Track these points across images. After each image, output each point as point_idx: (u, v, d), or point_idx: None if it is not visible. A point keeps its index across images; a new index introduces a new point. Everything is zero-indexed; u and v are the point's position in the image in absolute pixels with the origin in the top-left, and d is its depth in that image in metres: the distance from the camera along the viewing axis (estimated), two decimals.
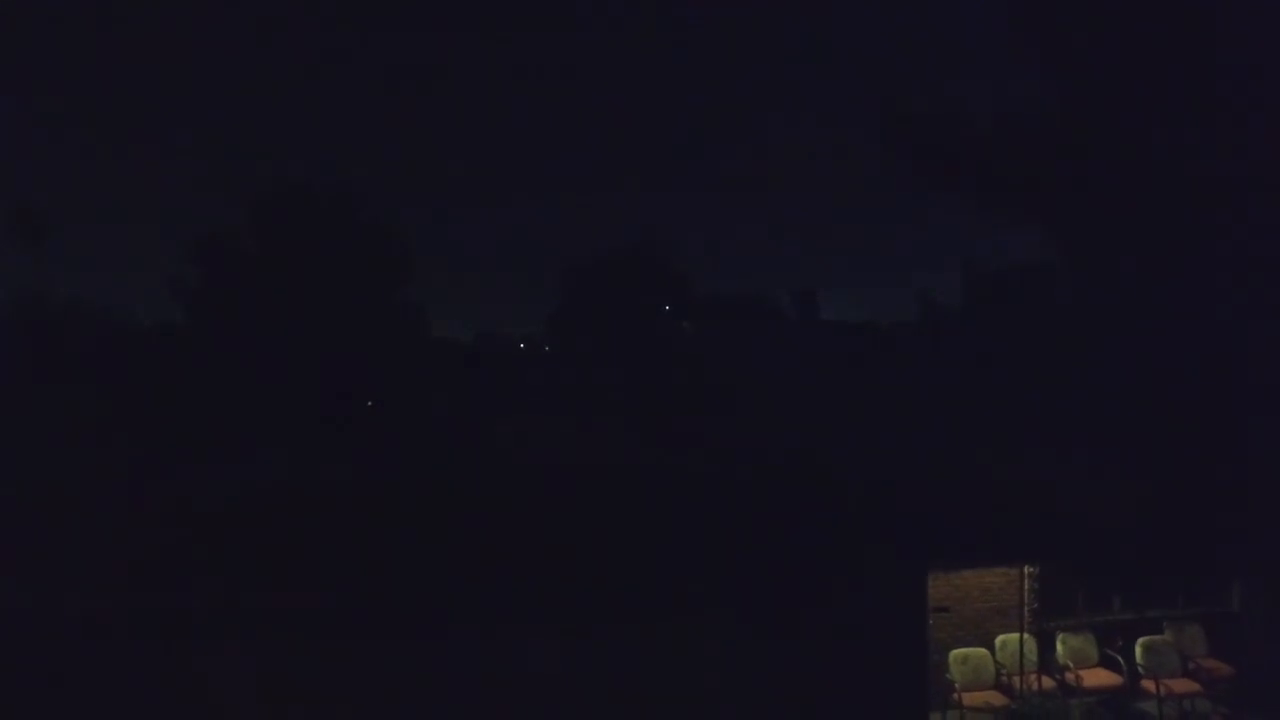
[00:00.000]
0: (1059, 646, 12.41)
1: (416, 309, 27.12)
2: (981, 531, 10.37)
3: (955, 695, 11.65)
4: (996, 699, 11.77)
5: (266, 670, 10.20)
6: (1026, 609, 12.26)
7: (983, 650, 12.21)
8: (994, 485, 10.50)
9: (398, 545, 11.25)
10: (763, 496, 10.76)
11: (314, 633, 10.18)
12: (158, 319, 32.02)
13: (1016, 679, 11.99)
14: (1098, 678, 12.10)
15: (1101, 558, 10.70)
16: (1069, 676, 12.07)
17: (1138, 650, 12.21)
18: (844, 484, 11.01)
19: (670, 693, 9.58)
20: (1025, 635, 12.42)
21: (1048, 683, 12.11)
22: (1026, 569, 12.56)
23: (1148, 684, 11.91)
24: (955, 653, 12.01)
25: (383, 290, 26.17)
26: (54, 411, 20.78)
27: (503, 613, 9.52)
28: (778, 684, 9.57)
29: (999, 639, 12.45)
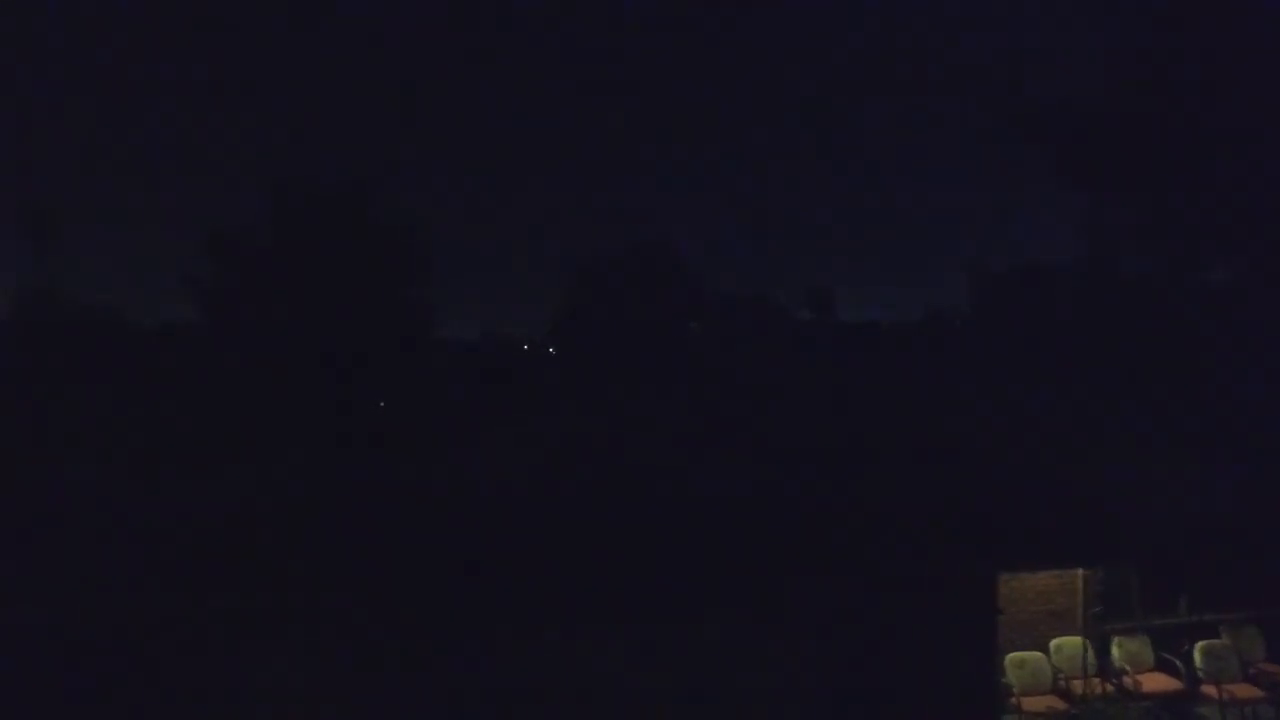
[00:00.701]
0: (1115, 650, 12.22)
1: (432, 308, 26.80)
2: (1052, 532, 10.17)
3: (1014, 700, 11.45)
4: (1057, 703, 11.58)
5: (290, 673, 10.04)
6: (1089, 612, 12.05)
7: (1039, 654, 12.01)
8: (1064, 486, 10.30)
9: (422, 547, 11.03)
10: (825, 498, 10.56)
11: (343, 635, 10.00)
12: (169, 318, 31.73)
13: (1076, 683, 11.80)
14: (1156, 682, 11.90)
15: (1173, 559, 10.50)
16: (1127, 681, 11.88)
17: (1196, 654, 12.01)
18: (910, 486, 10.81)
19: (737, 696, 9.37)
20: (1081, 639, 12.25)
21: (1105, 687, 11.92)
22: (1082, 571, 12.39)
23: (1208, 689, 11.72)
24: (1012, 656, 11.79)
25: (400, 288, 25.88)
26: (74, 412, 20.51)
27: (564, 613, 9.31)
28: (846, 687, 9.36)
29: (1054, 642, 12.25)
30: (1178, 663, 11.95)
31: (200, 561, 11.37)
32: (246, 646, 10.15)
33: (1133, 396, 11.75)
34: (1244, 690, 11.72)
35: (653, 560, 9.49)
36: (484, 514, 11.13)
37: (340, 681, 9.41)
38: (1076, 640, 12.35)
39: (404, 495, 13.64)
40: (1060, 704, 11.62)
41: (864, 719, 9.45)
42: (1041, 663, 11.96)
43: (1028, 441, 11.60)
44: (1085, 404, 12.26)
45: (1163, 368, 11.26)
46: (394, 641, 9.24)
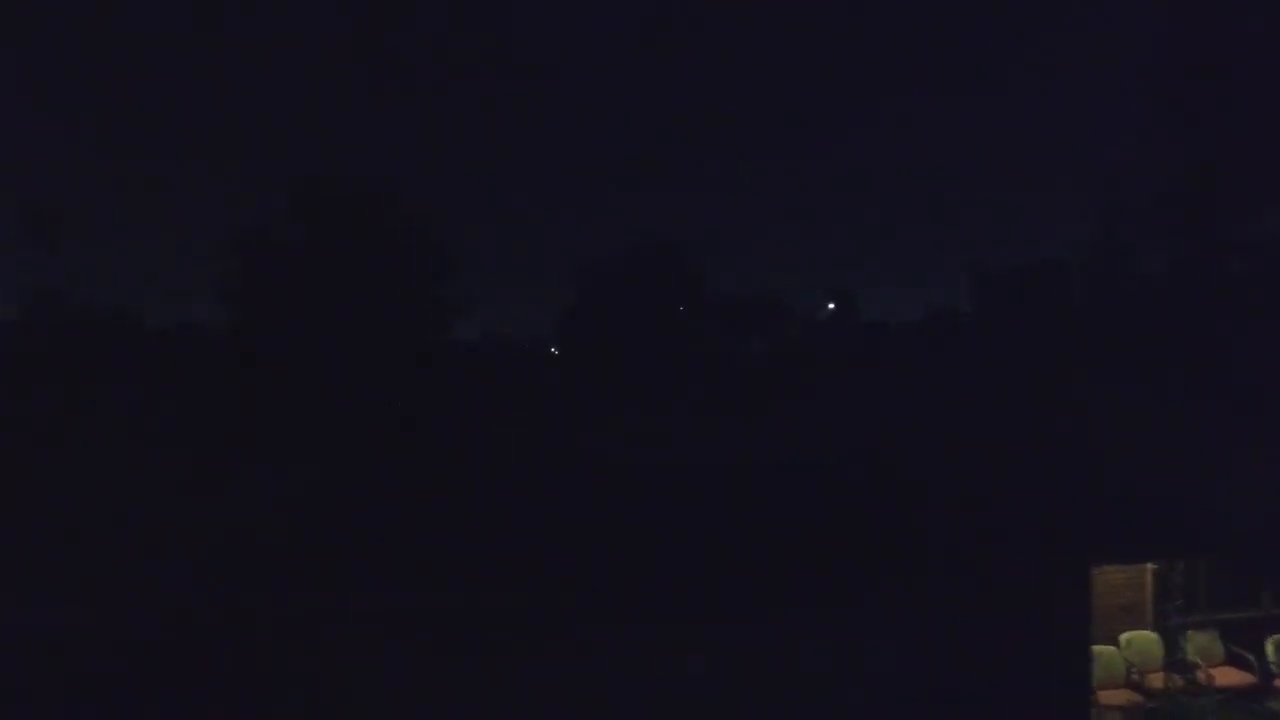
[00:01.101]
0: (1185, 644, 12.29)
1: (456, 307, 26.71)
2: (1144, 526, 10.22)
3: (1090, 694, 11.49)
4: (1134, 697, 11.64)
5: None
6: (1170, 604, 12.11)
7: (1111, 648, 12.06)
8: (1153, 479, 10.35)
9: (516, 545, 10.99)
10: (920, 493, 10.58)
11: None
12: (188, 318, 31.53)
13: (1150, 676, 11.86)
14: (1228, 676, 11.97)
15: (1246, 553, 10.57)
16: (1200, 675, 11.94)
17: (1269, 647, 12.09)
18: (1004, 480, 10.83)
19: (826, 690, 9.37)
20: (1152, 633, 12.32)
21: (1178, 681, 11.97)
22: (1151, 566, 12.47)
23: None
24: None
25: (424, 288, 25.80)
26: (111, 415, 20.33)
27: (651, 611, 9.29)
28: (943, 679, 9.37)
29: (1124, 636, 12.31)
30: (1250, 657, 12.03)
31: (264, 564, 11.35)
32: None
33: (1213, 392, 11.83)
34: None
35: (751, 557, 9.49)
36: (567, 511, 11.11)
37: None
38: (1147, 634, 12.43)
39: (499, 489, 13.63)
40: (1136, 697, 11.69)
41: (959, 713, 9.45)
42: (1114, 657, 12.02)
43: (1113, 437, 11.65)
44: (1167, 400, 12.35)
45: (1242, 364, 11.33)
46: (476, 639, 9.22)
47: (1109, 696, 11.55)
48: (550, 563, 10.34)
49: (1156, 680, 11.84)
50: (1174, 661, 12.05)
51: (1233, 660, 12.18)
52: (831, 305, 44.45)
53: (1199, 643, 12.29)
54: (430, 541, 11.77)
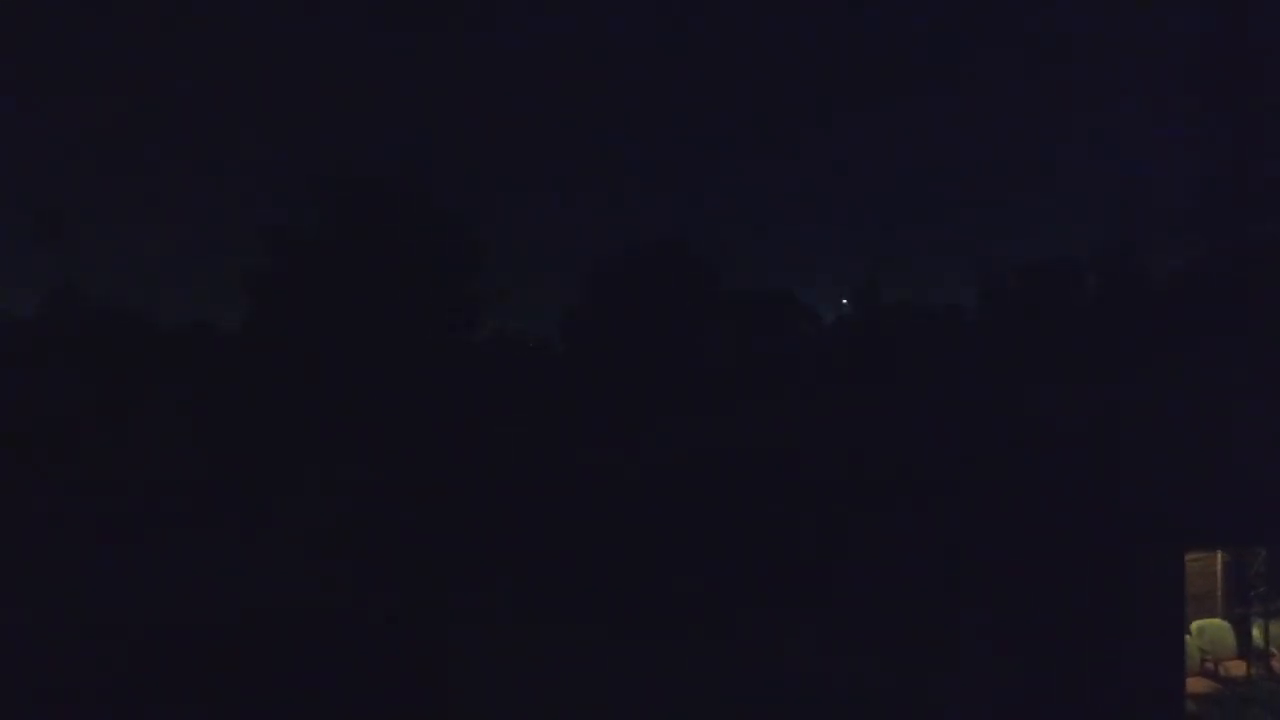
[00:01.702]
0: (1255, 632, 12.26)
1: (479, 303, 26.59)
2: (1238, 511, 10.18)
3: None
4: (1209, 684, 11.61)
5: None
6: (1252, 591, 12.08)
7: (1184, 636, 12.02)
8: (1244, 465, 10.32)
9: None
10: (1018, 482, 10.55)
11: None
12: (202, 317, 31.33)
13: (1226, 664, 11.84)
14: None
15: None
16: (1274, 663, 11.92)
17: None
18: (1095, 470, 10.80)
19: (926, 672, 9.33)
20: (1223, 621, 12.30)
21: (1250, 669, 11.95)
22: (1221, 555, 12.43)
23: None
24: None
25: (452, 285, 25.68)
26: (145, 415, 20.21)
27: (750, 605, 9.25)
28: (1043, 663, 9.34)
29: (1196, 624, 12.27)
30: None
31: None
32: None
33: None
34: None
35: (846, 544, 9.45)
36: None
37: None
38: (1219, 623, 12.41)
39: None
40: (1212, 684, 11.66)
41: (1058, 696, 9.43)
42: (1189, 644, 11.98)
43: (1202, 427, 11.61)
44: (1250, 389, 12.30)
45: None
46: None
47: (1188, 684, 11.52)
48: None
49: (1234, 668, 11.81)
50: (1248, 650, 12.03)
51: None
52: (845, 301, 44.28)
53: (1274, 631, 12.26)
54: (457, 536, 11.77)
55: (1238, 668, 11.90)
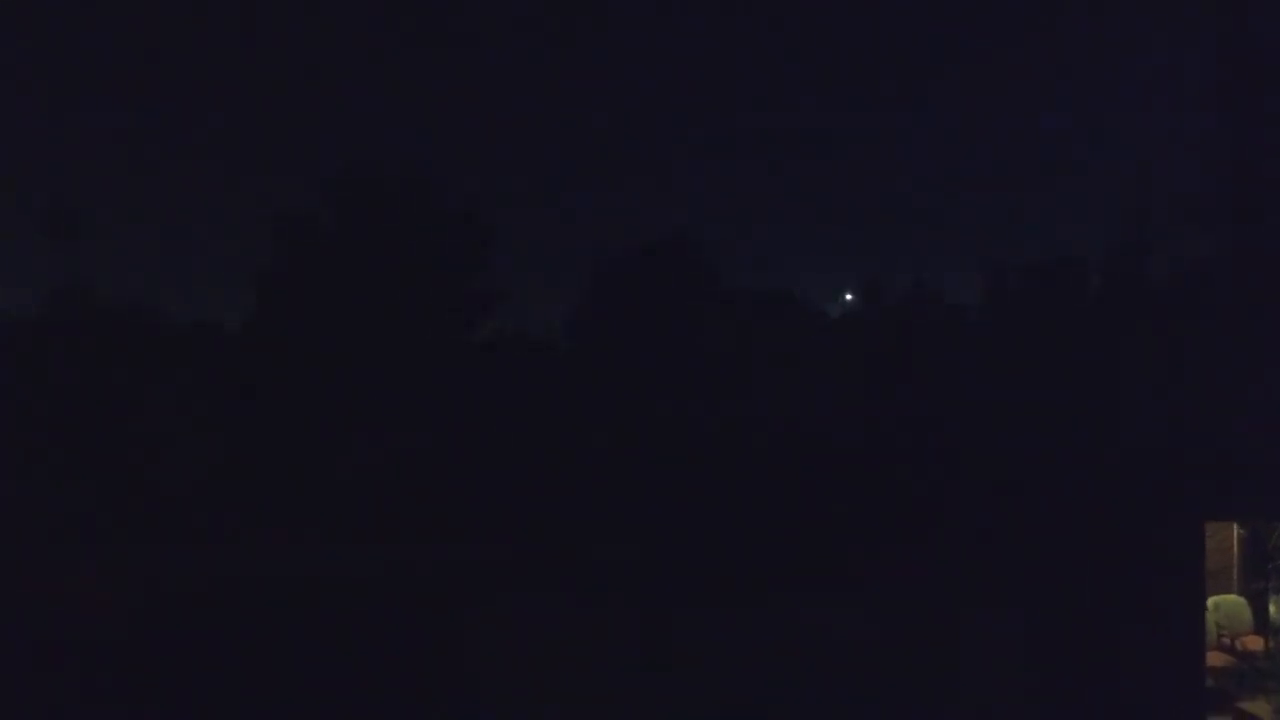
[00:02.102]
0: (1272, 608, 12.31)
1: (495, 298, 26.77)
2: (1257, 482, 10.27)
3: None
4: (1226, 659, 11.68)
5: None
6: (1271, 564, 12.14)
7: None
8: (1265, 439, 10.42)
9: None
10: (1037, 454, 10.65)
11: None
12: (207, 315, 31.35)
13: (1244, 639, 11.90)
14: None
15: None
16: None
17: None
18: (1118, 441, 10.90)
19: (950, 648, 9.42)
20: (1239, 597, 12.35)
21: (1268, 644, 12.01)
22: (1238, 529, 12.49)
23: None
24: None
25: (464, 279, 25.85)
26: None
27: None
28: (1061, 638, 9.42)
29: (1212, 600, 12.32)
30: None
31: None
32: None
33: None
34: None
35: (888, 523, 9.57)
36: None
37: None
38: (1235, 598, 12.46)
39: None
40: (1228, 659, 11.73)
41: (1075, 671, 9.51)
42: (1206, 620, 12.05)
43: (1224, 399, 11.70)
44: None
45: None
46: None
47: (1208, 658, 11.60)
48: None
49: (1252, 643, 11.88)
50: (1265, 625, 12.08)
51: None
52: (849, 296, 44.38)
53: None
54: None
55: (1254, 643, 11.96)
